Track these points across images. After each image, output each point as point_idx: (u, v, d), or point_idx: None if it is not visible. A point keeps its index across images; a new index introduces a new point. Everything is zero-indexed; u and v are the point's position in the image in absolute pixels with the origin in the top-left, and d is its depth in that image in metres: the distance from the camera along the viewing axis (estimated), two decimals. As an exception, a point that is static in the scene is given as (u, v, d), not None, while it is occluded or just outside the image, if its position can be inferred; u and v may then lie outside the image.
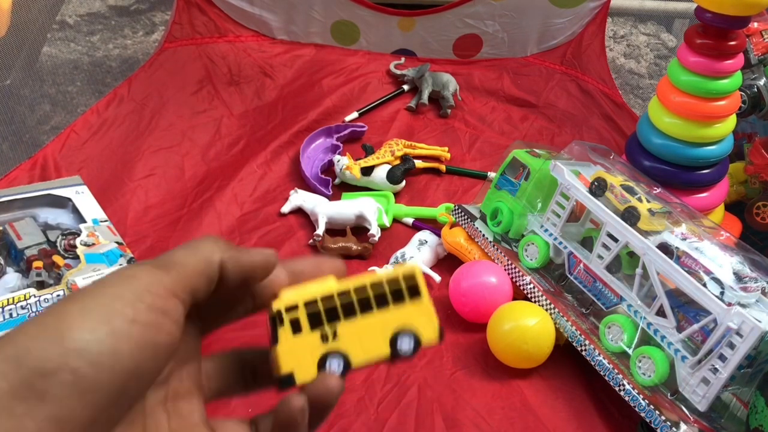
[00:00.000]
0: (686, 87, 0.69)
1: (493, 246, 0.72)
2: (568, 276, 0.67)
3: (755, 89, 0.77)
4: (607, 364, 0.60)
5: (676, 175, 0.72)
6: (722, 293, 0.56)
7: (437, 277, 0.73)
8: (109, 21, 1.18)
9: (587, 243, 0.67)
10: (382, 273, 0.29)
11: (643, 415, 0.57)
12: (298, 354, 0.28)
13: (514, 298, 0.68)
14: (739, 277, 0.57)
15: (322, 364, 0.28)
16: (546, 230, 0.69)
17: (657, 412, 0.56)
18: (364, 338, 0.29)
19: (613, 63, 1.11)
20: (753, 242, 0.74)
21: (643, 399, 0.57)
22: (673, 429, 0.54)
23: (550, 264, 0.69)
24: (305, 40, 1.12)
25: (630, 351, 0.60)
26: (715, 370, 0.54)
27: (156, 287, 0.24)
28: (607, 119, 1.01)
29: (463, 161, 0.94)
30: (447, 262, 0.75)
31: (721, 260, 0.58)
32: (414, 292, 0.29)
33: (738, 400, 0.58)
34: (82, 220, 0.70)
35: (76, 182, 0.75)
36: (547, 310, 0.65)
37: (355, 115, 0.99)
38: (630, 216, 0.62)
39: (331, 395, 0.27)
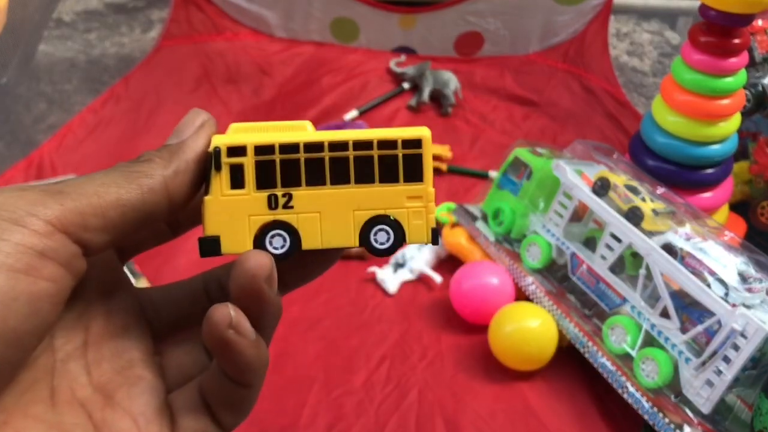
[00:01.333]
0: (690, 85, 0.69)
1: (495, 246, 0.71)
2: (571, 277, 0.66)
3: (760, 87, 0.76)
4: (610, 367, 0.60)
5: (679, 174, 0.72)
6: (726, 294, 0.55)
7: (438, 278, 0.72)
8: (105, 19, 1.17)
9: (590, 243, 0.66)
10: (376, 131, 0.21)
11: (646, 417, 0.56)
12: (233, 214, 0.21)
13: (516, 300, 0.67)
14: (743, 278, 0.57)
15: (261, 236, 0.21)
16: (548, 230, 0.68)
17: (660, 414, 0.55)
18: (327, 216, 0.21)
19: (616, 61, 1.10)
20: (757, 243, 0.73)
21: (647, 401, 0.56)
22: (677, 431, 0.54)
23: (552, 265, 0.69)
24: (304, 38, 1.11)
25: (633, 353, 0.59)
26: (719, 372, 0.54)
27: (30, 220, 0.18)
28: (611, 118, 1.01)
29: (465, 160, 0.93)
30: (448, 263, 0.75)
31: (725, 261, 0.58)
32: (413, 168, 0.21)
33: (742, 402, 0.57)
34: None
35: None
36: (549, 311, 0.64)
37: (355, 113, 0.98)
38: (633, 216, 0.62)
39: (255, 281, 0.20)
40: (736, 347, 0.53)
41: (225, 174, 0.21)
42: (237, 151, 0.21)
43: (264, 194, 0.21)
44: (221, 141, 0.21)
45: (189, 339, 0.23)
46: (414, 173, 0.21)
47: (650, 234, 0.60)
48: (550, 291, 0.66)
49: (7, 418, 0.19)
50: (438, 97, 1.01)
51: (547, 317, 0.63)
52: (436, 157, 0.92)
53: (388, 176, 0.21)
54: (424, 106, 1.01)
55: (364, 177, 0.21)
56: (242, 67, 1.05)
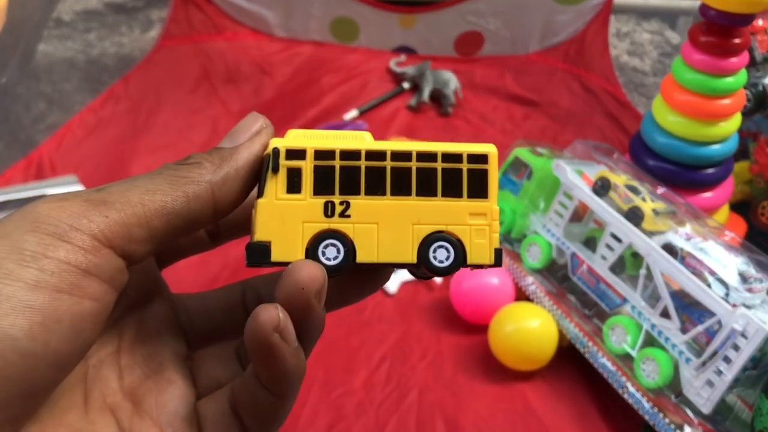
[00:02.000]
0: (690, 85, 0.69)
1: (495, 246, 0.71)
2: (571, 277, 0.66)
3: (760, 87, 0.76)
4: (611, 367, 0.60)
5: (680, 174, 0.72)
6: (727, 294, 0.55)
7: (438, 278, 0.72)
8: (105, 18, 1.17)
9: (590, 243, 0.66)
10: (441, 144, 0.20)
11: (646, 417, 0.56)
12: (286, 220, 0.20)
13: (516, 300, 0.67)
14: (744, 278, 0.57)
15: (314, 245, 0.20)
16: (548, 230, 0.68)
17: (661, 414, 0.55)
18: (385, 228, 0.20)
19: (616, 60, 1.10)
20: (758, 243, 0.73)
21: (647, 401, 0.56)
22: (678, 432, 0.54)
23: (552, 265, 0.69)
24: (304, 38, 1.11)
25: (633, 353, 0.59)
26: (719, 372, 0.54)
27: (74, 234, 0.17)
28: (611, 118, 1.00)
29: (464, 160, 0.93)
30: (448, 263, 0.75)
31: (725, 261, 0.58)
32: (478, 184, 0.20)
33: (743, 402, 0.57)
34: (78, 220, 0.69)
35: (71, 181, 0.74)
36: (549, 311, 0.64)
37: (355, 113, 0.98)
38: (634, 216, 0.62)
39: (305, 294, 0.19)
40: (736, 347, 0.53)
41: (282, 177, 0.20)
42: (296, 154, 0.20)
43: (321, 200, 0.20)
44: (280, 143, 0.20)
45: (222, 348, 0.23)
46: (479, 189, 0.20)
47: (650, 234, 0.60)
48: (550, 291, 0.66)
49: (42, 428, 0.18)
50: (438, 97, 1.01)
51: (547, 317, 0.63)
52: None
53: (452, 190, 0.20)
54: (424, 105, 1.01)
55: (426, 189, 0.20)
56: (242, 67, 1.05)
